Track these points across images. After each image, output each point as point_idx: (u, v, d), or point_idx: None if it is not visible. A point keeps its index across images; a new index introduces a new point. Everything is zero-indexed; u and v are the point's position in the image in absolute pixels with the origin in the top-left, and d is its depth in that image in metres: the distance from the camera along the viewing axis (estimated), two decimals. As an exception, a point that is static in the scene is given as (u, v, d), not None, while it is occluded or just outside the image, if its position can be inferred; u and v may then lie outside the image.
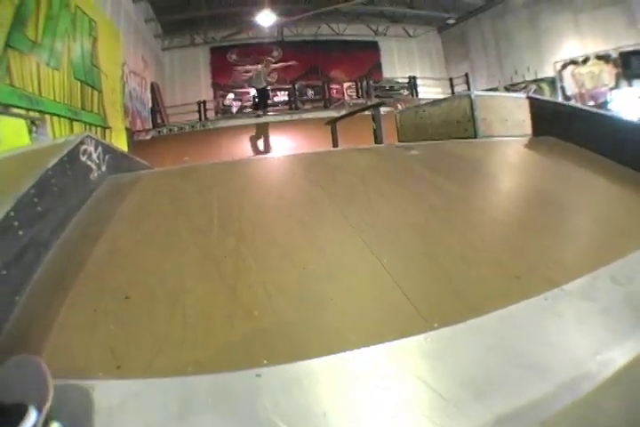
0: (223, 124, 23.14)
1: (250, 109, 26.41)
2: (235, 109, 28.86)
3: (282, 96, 27.49)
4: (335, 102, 27.13)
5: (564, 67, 24.15)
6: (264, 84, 20.02)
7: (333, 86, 30.07)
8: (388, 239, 3.19)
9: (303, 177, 4.52)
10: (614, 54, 21.37)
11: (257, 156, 14.83)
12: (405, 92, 27.94)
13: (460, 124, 6.92)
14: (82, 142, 3.83)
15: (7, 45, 10.07)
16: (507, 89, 26.86)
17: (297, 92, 27.33)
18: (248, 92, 28.52)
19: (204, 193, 3.92)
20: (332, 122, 12.92)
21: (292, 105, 26.63)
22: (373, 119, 10.65)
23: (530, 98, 6.78)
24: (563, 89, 24.32)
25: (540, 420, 1.85)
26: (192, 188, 4.10)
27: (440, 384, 1.97)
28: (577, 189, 4.55)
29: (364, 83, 27.68)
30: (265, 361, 2.04)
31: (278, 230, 3.27)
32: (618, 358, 2.19)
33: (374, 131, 10.50)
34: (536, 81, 25.95)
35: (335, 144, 12.51)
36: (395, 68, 32.57)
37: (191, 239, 3.11)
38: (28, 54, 11.05)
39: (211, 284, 2.60)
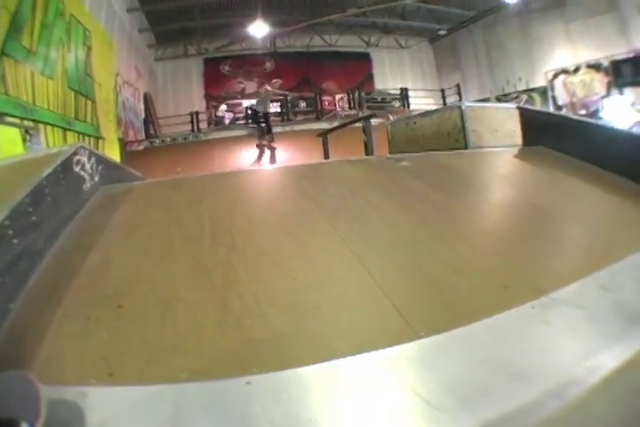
0: (216, 135, 23.26)
1: (242, 122, 26.49)
2: (227, 121, 28.90)
3: (274, 108, 27.52)
4: (327, 114, 27.22)
5: (556, 76, 24.32)
6: (269, 109, 18.82)
7: (325, 98, 30.14)
8: (377, 250, 3.22)
9: (294, 189, 4.55)
10: (605, 63, 21.51)
11: (252, 166, 14.94)
12: (397, 104, 28.07)
13: (451, 135, 6.96)
14: (75, 153, 3.84)
15: (2, 53, 10.10)
16: (498, 99, 27.03)
17: (289, 104, 27.46)
18: (241, 104, 28.68)
19: (196, 204, 3.95)
20: (324, 134, 12.98)
21: (284, 117, 26.72)
22: (364, 131, 10.71)
23: (520, 108, 6.82)
24: (554, 98, 24.48)
25: (527, 426, 1.87)
26: (184, 199, 4.12)
27: (427, 392, 1.98)
28: (566, 198, 4.57)
29: (356, 94, 27.81)
30: (255, 369, 2.04)
31: (268, 242, 3.30)
32: (606, 363, 2.20)
33: (365, 142, 10.56)
34: (527, 91, 26.13)
35: (326, 156, 12.54)
36: (387, 79, 32.71)
37: (183, 250, 3.13)
38: (22, 63, 11.11)
39: (202, 293, 2.60)
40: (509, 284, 2.90)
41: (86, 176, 4.00)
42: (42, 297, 2.58)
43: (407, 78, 32.76)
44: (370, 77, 33.03)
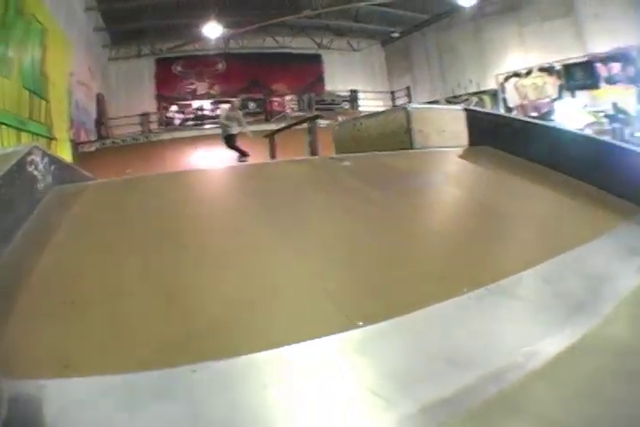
0: (166, 136, 23.17)
1: (192, 122, 26.41)
2: (178, 122, 28.70)
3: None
4: (276, 115, 27.22)
5: (507, 79, 24.60)
6: (239, 129, 17.40)
7: (275, 99, 30.19)
8: (315, 246, 3.29)
9: (239, 188, 4.66)
10: (558, 66, 21.82)
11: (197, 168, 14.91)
12: (346, 106, 28.17)
13: (397, 135, 7.01)
14: (29, 153, 3.85)
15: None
16: (448, 101, 27.23)
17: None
18: (191, 105, 28.53)
19: (145, 204, 4.00)
20: (271, 135, 13.22)
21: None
22: (309, 132, 10.86)
23: (466, 110, 6.90)
24: (505, 101, 24.76)
25: (466, 408, 1.93)
26: (134, 199, 4.17)
27: (366, 378, 2.04)
28: (509, 195, 4.66)
29: (306, 96, 27.81)
30: (199, 358, 2.10)
31: (213, 239, 3.38)
32: (547, 350, 2.26)
33: (310, 143, 10.70)
34: (478, 93, 26.34)
35: (273, 156, 12.78)
36: (337, 81, 32.60)
37: (132, 247, 3.17)
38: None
39: (150, 288, 2.66)
40: (447, 276, 2.96)
41: (39, 176, 3.99)
42: (-2, 295, 2.63)
43: (358, 80, 32.72)
44: (320, 79, 32.93)
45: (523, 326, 2.56)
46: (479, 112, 6.99)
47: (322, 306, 2.59)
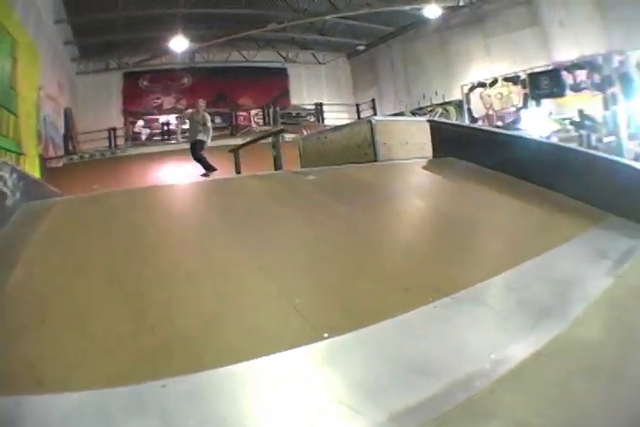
0: (133, 151, 23.04)
1: (159, 138, 26.32)
2: (144, 137, 28.59)
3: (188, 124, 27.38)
4: (242, 130, 27.19)
5: (472, 89, 24.71)
6: (204, 136, 15.08)
7: (241, 113, 30.17)
8: (279, 259, 3.36)
9: (203, 203, 4.72)
10: (523, 75, 22.00)
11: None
12: (312, 119, 28.18)
13: (361, 148, 7.05)
14: (-2, 169, 3.85)
15: None
16: (413, 113, 27.34)
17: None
18: (157, 119, 28.42)
19: (112, 219, 4.07)
20: (235, 150, 13.26)
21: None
22: (273, 146, 10.93)
23: (430, 121, 6.95)
24: (470, 111, 24.87)
25: (434, 416, 1.96)
26: (101, 214, 4.26)
27: (334, 389, 2.08)
28: (474, 204, 4.70)
29: (271, 110, 27.81)
30: (169, 373, 2.13)
31: (178, 254, 3.46)
32: (514, 356, 2.35)
33: (274, 158, 10.69)
34: (443, 104, 26.47)
35: (238, 171, 12.80)
36: (303, 94, 32.62)
37: (99, 263, 3.26)
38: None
39: (118, 303, 2.74)
40: (411, 286, 3.02)
41: (8, 192, 3.98)
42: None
43: (323, 93, 32.82)
44: (286, 93, 32.89)
45: (489, 334, 2.61)
46: (443, 123, 7.06)
47: (288, 319, 2.62)
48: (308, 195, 4.80)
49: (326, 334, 2.41)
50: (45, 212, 4.17)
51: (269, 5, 25.51)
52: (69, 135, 24.50)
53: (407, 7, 23.57)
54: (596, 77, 19.19)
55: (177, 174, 17.48)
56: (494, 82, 23.72)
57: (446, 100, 26.39)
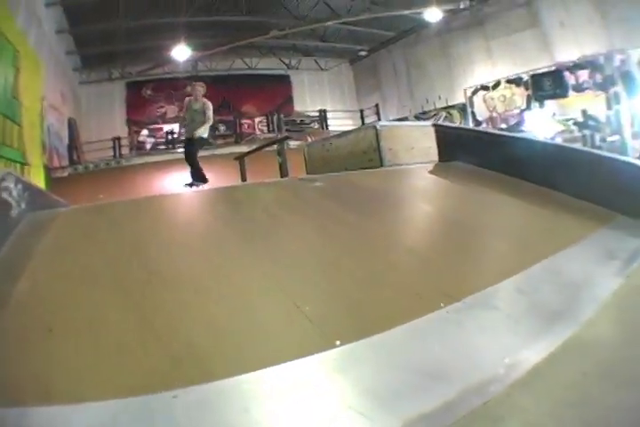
0: (137, 160, 23.09)
1: (163, 147, 26.33)
2: (149, 146, 28.76)
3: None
4: (247, 137, 27.24)
5: (475, 92, 24.67)
6: (205, 132, 12.43)
7: (245, 121, 30.32)
8: (289, 268, 3.34)
9: (209, 212, 4.73)
10: (526, 77, 21.97)
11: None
12: (316, 126, 28.19)
13: (366, 154, 7.05)
14: (3, 179, 3.85)
15: None
16: (417, 118, 27.34)
17: (209, 135, 27.06)
18: (162, 129, 28.45)
19: (118, 229, 4.06)
20: (241, 157, 13.20)
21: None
22: (279, 153, 10.90)
23: (435, 125, 6.93)
24: (473, 114, 24.83)
25: (448, 423, 1.95)
26: (107, 224, 4.23)
27: (347, 397, 2.07)
28: (482, 209, 4.69)
29: (275, 117, 27.82)
30: (180, 383, 2.11)
31: (186, 264, 3.43)
32: (527, 359, 2.33)
33: (280, 165, 10.72)
34: (446, 108, 26.44)
35: (243, 179, 12.74)
36: (306, 101, 32.59)
37: (106, 273, 3.22)
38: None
39: (126, 314, 2.69)
40: (422, 292, 3.01)
41: (13, 203, 3.98)
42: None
43: (326, 100, 32.81)
44: (289, 100, 32.84)
45: (501, 338, 2.60)
46: (448, 127, 7.05)
47: (299, 327, 2.59)
48: (314, 202, 4.80)
49: (338, 342, 2.40)
50: (51, 222, 4.18)
51: (270, 12, 25.59)
52: (74, 145, 24.53)
53: (407, 11, 23.57)
54: (598, 77, 19.16)
55: (182, 183, 17.53)
56: (497, 84, 23.68)
57: (449, 103, 26.37)
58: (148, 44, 26.69)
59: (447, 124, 7.66)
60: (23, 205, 4.17)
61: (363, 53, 31.95)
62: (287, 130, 25.68)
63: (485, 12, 24.23)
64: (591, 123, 19.33)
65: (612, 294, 3.14)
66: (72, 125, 24.83)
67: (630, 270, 3.47)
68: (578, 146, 14.33)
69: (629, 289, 3.22)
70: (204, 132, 12.24)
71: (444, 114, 26.29)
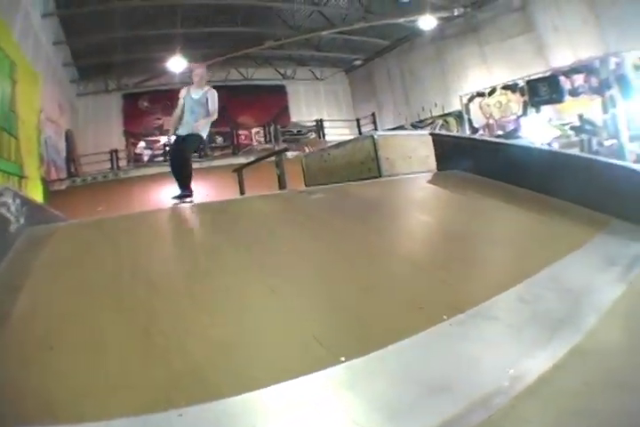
0: (135, 173, 23.12)
1: (161, 159, 26.30)
2: (146, 158, 28.67)
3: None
4: (244, 149, 27.25)
5: (471, 99, 24.63)
6: (204, 129, 9.46)
7: (242, 132, 30.23)
8: (291, 281, 3.34)
9: (209, 226, 4.70)
10: (521, 83, 21.96)
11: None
12: (313, 135, 28.20)
13: (364, 164, 7.06)
14: (1, 194, 3.86)
15: None
16: (413, 126, 27.31)
17: (206, 140, 26.91)
18: (159, 140, 28.41)
19: (116, 244, 4.06)
20: (239, 169, 13.00)
21: (200, 153, 26.43)
22: (277, 165, 10.71)
23: (432, 134, 6.94)
24: (470, 121, 24.78)
25: None
26: (104, 239, 4.22)
27: (353, 413, 2.06)
28: (481, 218, 4.70)
29: (272, 128, 27.84)
30: (185, 401, 2.10)
31: (185, 278, 3.43)
32: (531, 370, 2.33)
33: (278, 177, 10.56)
34: (443, 116, 26.43)
35: (242, 191, 12.62)
36: (302, 111, 32.54)
37: (105, 289, 3.23)
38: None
39: (127, 331, 2.71)
40: (424, 304, 3.00)
41: (12, 218, 3.99)
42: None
43: (323, 109, 32.80)
44: (285, 110, 32.79)
45: (505, 349, 2.60)
46: (445, 135, 7.09)
47: (303, 344, 2.59)
48: (314, 215, 4.79)
49: (343, 358, 2.40)
50: (49, 237, 4.19)
51: (265, 23, 25.57)
52: (71, 157, 24.49)
53: (402, 20, 23.61)
54: (594, 81, 19.14)
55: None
56: (493, 91, 23.65)
57: (446, 111, 26.35)
58: (144, 56, 26.71)
59: (444, 132, 7.63)
60: (22, 221, 4.17)
61: (358, 62, 31.98)
62: (284, 140, 25.74)
63: (479, 18, 24.25)
64: (588, 127, 19.31)
65: (615, 300, 3.13)
66: (69, 137, 24.80)
67: (632, 276, 3.47)
68: (575, 151, 14.34)
69: (632, 296, 3.22)
70: (204, 128, 9.31)
71: (440, 122, 26.28)
